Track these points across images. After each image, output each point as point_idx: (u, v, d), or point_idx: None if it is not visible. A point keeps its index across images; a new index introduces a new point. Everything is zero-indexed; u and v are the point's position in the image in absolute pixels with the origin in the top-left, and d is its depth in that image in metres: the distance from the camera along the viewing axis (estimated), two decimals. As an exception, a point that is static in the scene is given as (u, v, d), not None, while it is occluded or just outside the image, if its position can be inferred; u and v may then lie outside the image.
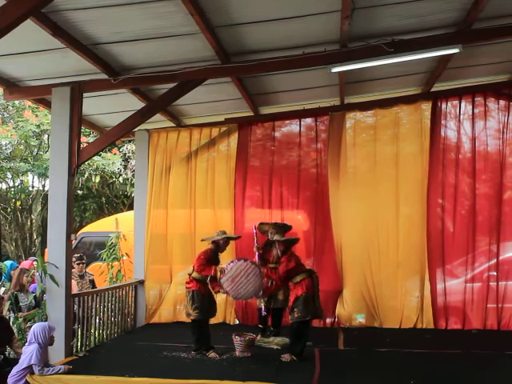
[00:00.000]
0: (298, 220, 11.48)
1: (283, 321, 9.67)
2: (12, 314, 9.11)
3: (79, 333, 9.15)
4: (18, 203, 20.97)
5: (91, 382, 7.23)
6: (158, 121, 11.22)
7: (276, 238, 8.69)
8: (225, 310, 11.29)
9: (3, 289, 10.08)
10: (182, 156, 11.80)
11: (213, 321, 9.42)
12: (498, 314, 10.57)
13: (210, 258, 8.66)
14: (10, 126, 18.04)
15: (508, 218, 10.77)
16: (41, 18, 6.52)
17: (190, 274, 8.78)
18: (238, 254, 11.02)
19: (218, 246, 8.84)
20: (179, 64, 8.41)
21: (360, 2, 6.91)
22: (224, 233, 8.99)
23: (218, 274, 8.36)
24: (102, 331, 9.90)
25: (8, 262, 11.16)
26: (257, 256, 9.27)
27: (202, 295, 8.57)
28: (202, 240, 9.20)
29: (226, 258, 10.41)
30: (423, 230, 10.83)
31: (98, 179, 19.35)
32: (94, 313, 9.60)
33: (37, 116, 17.74)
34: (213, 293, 8.71)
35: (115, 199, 21.80)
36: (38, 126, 17.73)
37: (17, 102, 17.62)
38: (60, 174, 8.58)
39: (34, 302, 9.19)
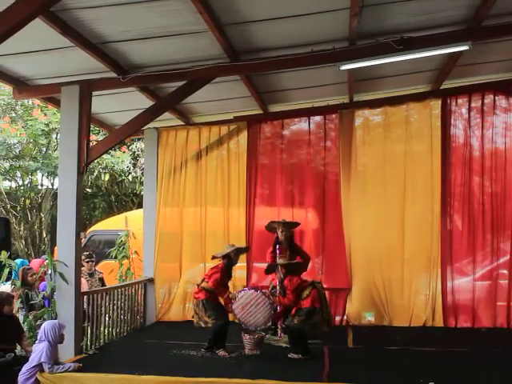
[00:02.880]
0: (308, 218, 11.46)
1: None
2: (23, 312, 9.14)
3: (89, 331, 9.17)
4: (28, 202, 21.01)
5: (101, 380, 7.24)
6: (167, 119, 11.23)
7: (280, 262, 8.71)
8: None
9: (7, 284, 10.10)
10: (192, 154, 11.82)
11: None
12: (508, 313, 10.55)
13: (225, 276, 8.72)
14: (18, 124, 18.08)
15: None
16: (50, 16, 6.54)
17: (198, 285, 8.80)
18: (249, 253, 11.05)
19: (231, 260, 8.84)
20: (188, 62, 8.41)
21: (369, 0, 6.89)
22: (233, 246, 9.00)
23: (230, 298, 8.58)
24: (112, 329, 9.93)
25: (18, 261, 11.18)
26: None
27: (212, 303, 8.60)
28: (213, 258, 9.01)
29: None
30: (433, 228, 10.82)
31: (107, 177, 19.41)
32: (103, 311, 9.62)
33: (45, 115, 17.76)
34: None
35: (124, 197, 21.85)
36: (47, 125, 17.76)
37: (25, 100, 17.65)
38: (69, 172, 8.60)
39: (43, 300, 9.22)
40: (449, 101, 11.05)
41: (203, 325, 8.74)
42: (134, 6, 6.59)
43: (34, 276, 9.23)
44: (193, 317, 9.03)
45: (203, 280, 8.79)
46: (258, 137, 11.68)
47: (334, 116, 11.46)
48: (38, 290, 9.56)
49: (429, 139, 10.97)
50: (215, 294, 8.70)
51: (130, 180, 20.25)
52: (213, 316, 8.53)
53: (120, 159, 18.83)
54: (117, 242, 11.78)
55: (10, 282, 10.04)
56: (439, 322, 10.63)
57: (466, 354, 8.52)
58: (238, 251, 9.02)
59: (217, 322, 8.51)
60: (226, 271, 8.75)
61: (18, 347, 8.21)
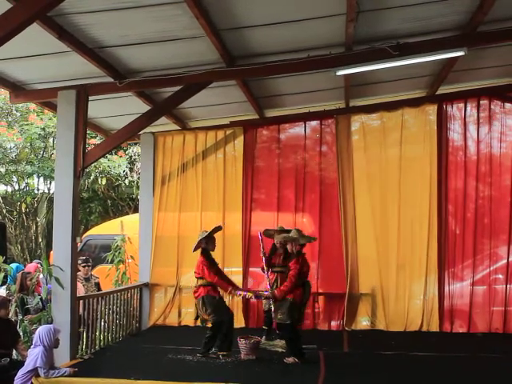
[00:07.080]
0: (304, 223, 11.45)
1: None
2: (19, 317, 9.12)
3: (84, 335, 9.16)
4: (24, 206, 20.98)
5: (96, 385, 7.25)
6: (164, 124, 11.25)
7: (302, 241, 8.61)
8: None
9: (2, 289, 10.09)
10: (188, 159, 11.82)
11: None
12: (504, 318, 10.56)
13: (211, 264, 8.67)
14: (15, 129, 18.03)
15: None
16: (47, 21, 6.53)
17: (195, 286, 8.77)
18: (245, 258, 11.06)
19: (206, 248, 8.78)
20: (184, 67, 8.42)
21: (365, 5, 6.90)
22: (205, 232, 8.90)
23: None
24: (107, 334, 9.92)
25: (14, 265, 11.17)
26: (264, 261, 9.25)
27: (213, 298, 8.56)
28: (194, 250, 8.95)
29: (233, 259, 10.54)
30: (430, 232, 10.82)
31: (103, 182, 19.37)
32: (99, 315, 9.61)
33: (42, 119, 17.74)
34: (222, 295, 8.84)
35: (121, 202, 21.82)
36: (43, 129, 17.73)
37: (20, 105, 17.60)
38: (66, 176, 8.59)
39: (40, 304, 9.21)
40: (444, 106, 11.08)
41: (204, 323, 8.87)
42: (130, 11, 6.58)
43: (33, 281, 9.21)
44: (196, 318, 8.99)
45: (197, 279, 8.72)
46: (254, 142, 11.69)
47: (330, 121, 11.47)
48: (35, 294, 9.52)
49: (425, 144, 11.00)
50: (214, 286, 8.62)
51: (127, 184, 20.21)
52: (212, 313, 8.49)
53: (116, 163, 18.81)
54: (113, 246, 11.77)
55: (5, 287, 10.04)
56: (435, 327, 10.63)
57: (461, 358, 8.52)
58: (209, 239, 8.85)
59: (216, 318, 8.46)
60: (208, 260, 8.69)
61: (14, 352, 8.20)
